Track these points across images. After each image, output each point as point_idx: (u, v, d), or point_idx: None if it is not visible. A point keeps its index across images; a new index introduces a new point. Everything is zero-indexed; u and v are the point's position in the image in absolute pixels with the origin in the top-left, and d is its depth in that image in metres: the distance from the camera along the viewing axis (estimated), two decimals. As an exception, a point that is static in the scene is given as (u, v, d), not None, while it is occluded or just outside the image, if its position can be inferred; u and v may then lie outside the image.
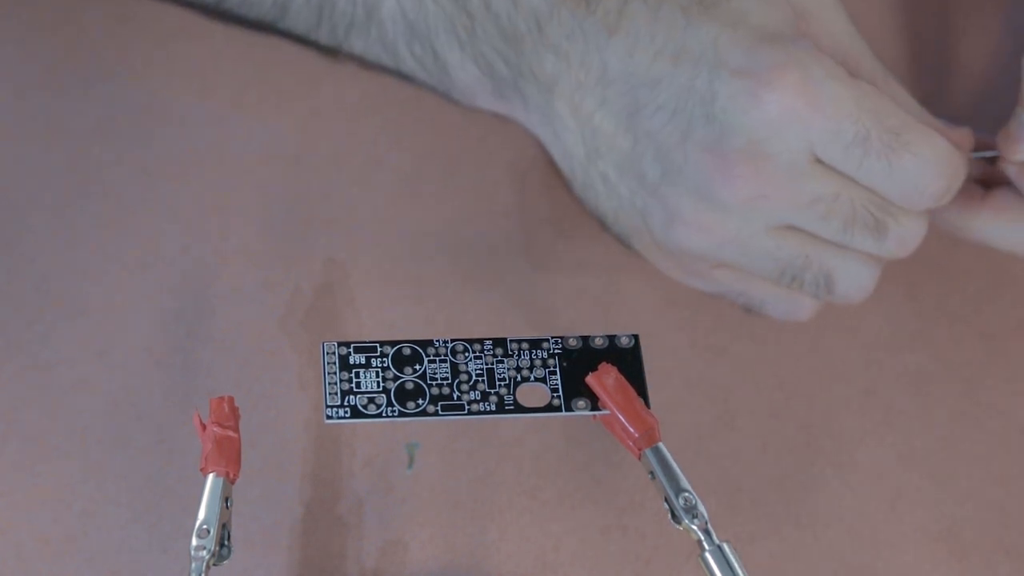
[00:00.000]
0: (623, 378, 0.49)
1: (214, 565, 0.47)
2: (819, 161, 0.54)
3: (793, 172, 0.54)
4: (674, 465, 0.48)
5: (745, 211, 0.55)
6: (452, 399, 0.49)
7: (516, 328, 0.59)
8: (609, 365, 0.50)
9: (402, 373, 0.50)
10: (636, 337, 0.51)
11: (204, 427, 0.48)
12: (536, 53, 0.58)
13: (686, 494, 0.47)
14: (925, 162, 0.54)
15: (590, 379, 0.50)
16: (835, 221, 0.55)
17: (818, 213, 0.55)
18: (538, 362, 0.50)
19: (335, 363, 0.50)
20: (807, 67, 0.53)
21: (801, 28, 0.56)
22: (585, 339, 0.51)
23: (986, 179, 0.59)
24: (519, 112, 0.61)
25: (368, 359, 0.50)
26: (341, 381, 0.49)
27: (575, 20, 0.57)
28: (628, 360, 0.50)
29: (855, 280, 0.57)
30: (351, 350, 0.50)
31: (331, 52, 0.62)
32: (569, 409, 0.50)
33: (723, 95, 0.54)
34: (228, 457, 0.47)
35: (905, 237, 0.56)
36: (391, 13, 0.59)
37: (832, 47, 0.56)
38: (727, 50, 0.54)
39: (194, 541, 0.46)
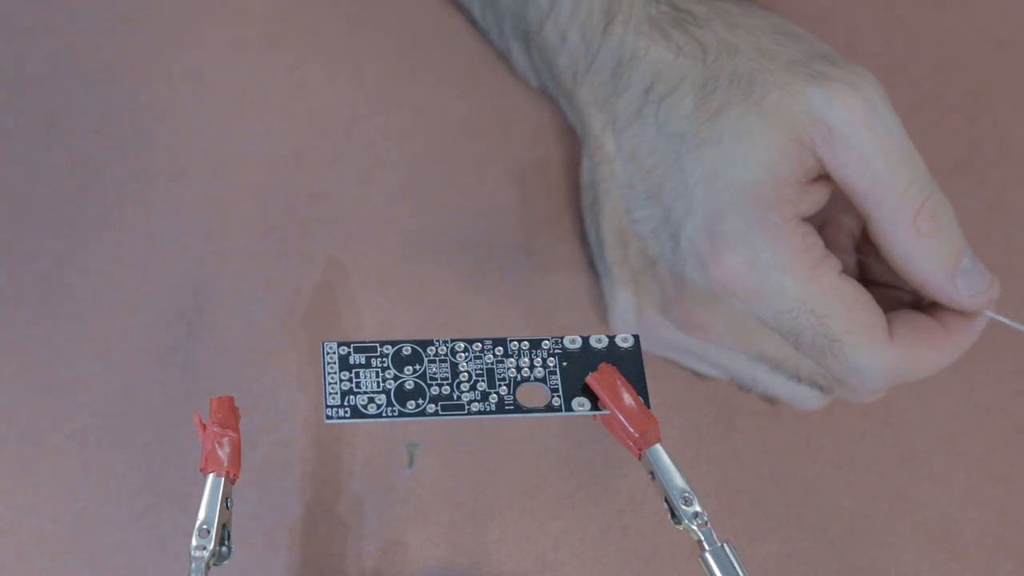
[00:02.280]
0: (623, 378, 0.49)
1: (214, 565, 0.47)
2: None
3: (743, 329, 0.54)
4: (674, 465, 0.48)
5: (698, 339, 0.56)
6: (452, 399, 0.49)
7: (516, 328, 0.59)
8: (609, 365, 0.50)
9: (402, 373, 0.49)
10: (636, 337, 0.51)
11: (204, 427, 0.48)
12: (572, 96, 0.58)
13: (686, 494, 0.47)
14: (853, 371, 0.53)
15: (590, 379, 0.49)
16: (782, 375, 0.56)
17: (766, 366, 0.56)
18: (538, 362, 0.50)
19: (335, 363, 0.49)
20: (757, 251, 0.52)
21: (818, 149, 0.52)
22: (585, 339, 0.51)
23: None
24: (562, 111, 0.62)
25: (368, 359, 0.50)
26: (341, 381, 0.49)
27: (603, 93, 0.56)
28: (628, 360, 0.50)
29: (800, 402, 0.58)
30: (351, 350, 0.50)
31: None
32: (569, 409, 0.50)
33: (684, 243, 0.54)
34: (228, 457, 0.47)
35: (853, 396, 0.56)
36: None
37: (854, 169, 0.52)
38: (698, 205, 0.53)
39: (194, 541, 0.46)
